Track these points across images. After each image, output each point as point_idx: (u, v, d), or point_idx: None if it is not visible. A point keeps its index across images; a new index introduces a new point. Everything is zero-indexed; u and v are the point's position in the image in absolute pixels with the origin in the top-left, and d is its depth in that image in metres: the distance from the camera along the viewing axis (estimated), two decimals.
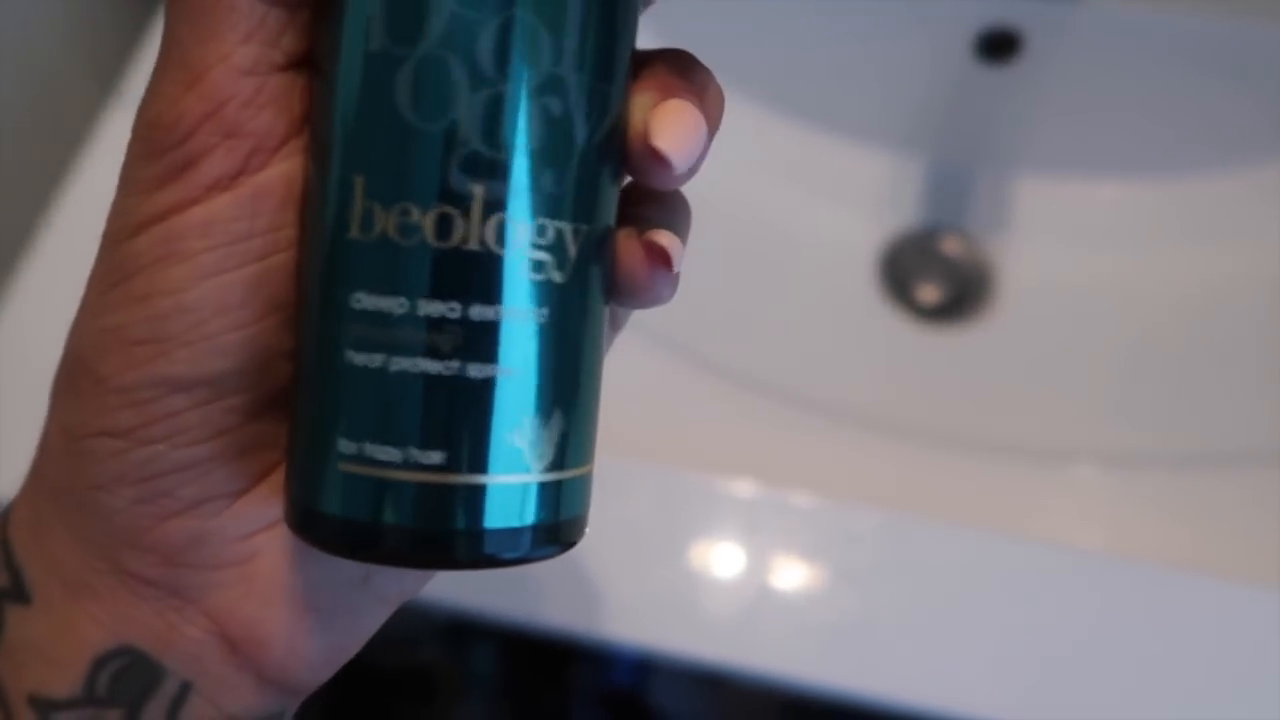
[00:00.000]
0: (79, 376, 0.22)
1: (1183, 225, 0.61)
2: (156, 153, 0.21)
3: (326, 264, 0.21)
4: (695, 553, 0.46)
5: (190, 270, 0.21)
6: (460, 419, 0.20)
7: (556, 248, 0.21)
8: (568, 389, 0.21)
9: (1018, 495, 0.52)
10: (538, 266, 0.20)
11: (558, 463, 0.21)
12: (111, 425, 0.21)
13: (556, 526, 0.21)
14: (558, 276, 0.21)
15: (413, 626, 0.57)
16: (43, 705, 0.23)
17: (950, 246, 0.63)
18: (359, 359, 0.20)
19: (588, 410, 0.22)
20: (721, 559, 0.46)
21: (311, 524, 0.21)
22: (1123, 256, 0.61)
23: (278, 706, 0.24)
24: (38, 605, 0.23)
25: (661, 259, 0.22)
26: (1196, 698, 0.43)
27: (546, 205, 0.20)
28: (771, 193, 0.63)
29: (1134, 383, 0.58)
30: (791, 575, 0.46)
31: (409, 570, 0.24)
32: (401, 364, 0.20)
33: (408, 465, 0.20)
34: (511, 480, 0.20)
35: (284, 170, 0.21)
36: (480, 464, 0.20)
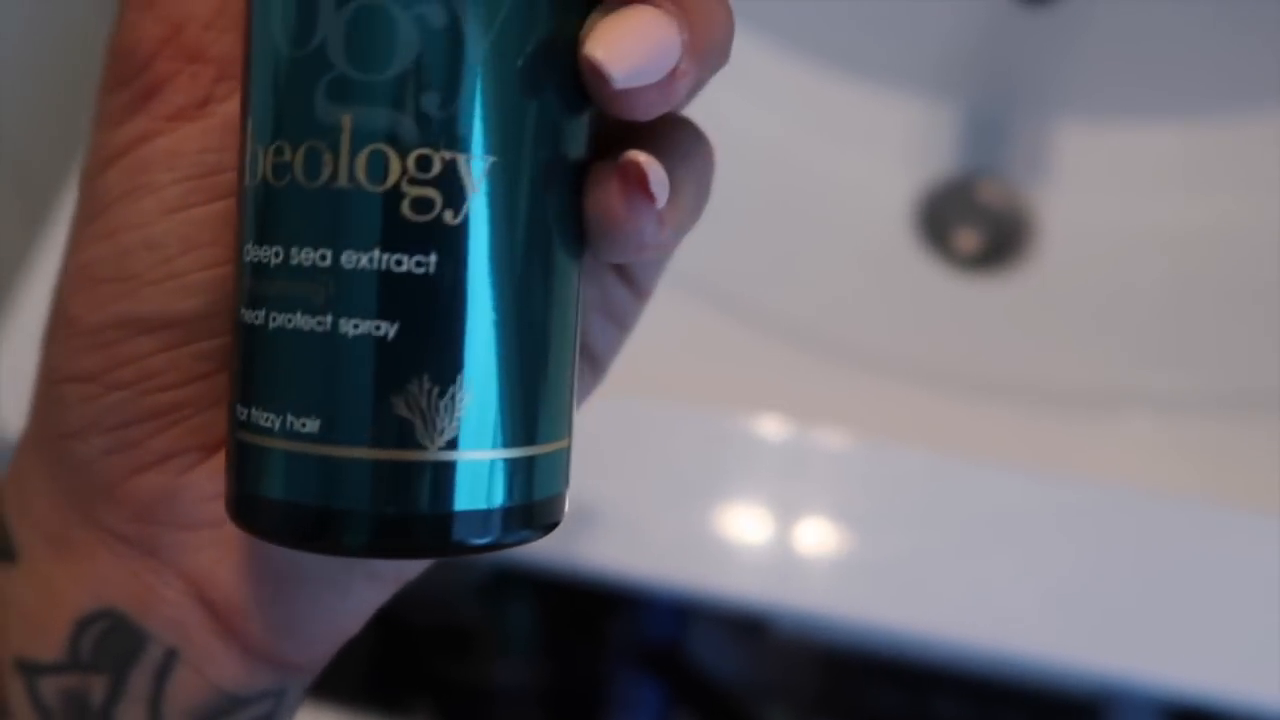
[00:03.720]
0: (55, 319, 0.21)
1: (1227, 169, 0.59)
2: (121, 82, 0.20)
3: (238, 216, 0.19)
4: (733, 495, 0.45)
5: (157, 203, 0.20)
6: (335, 381, 0.18)
7: (446, 183, 0.18)
8: (474, 353, 0.18)
9: (1060, 441, 0.52)
10: (422, 205, 0.18)
11: (470, 440, 0.18)
12: (80, 369, 0.20)
13: (474, 515, 0.18)
14: (449, 217, 0.18)
15: (449, 585, 0.59)
16: (29, 669, 0.22)
17: (989, 193, 0.61)
18: (246, 316, 0.19)
19: (522, 379, 0.19)
20: (760, 501, 0.45)
21: (226, 500, 0.20)
22: (1165, 202, 0.59)
23: (275, 683, 0.23)
24: (22, 564, 0.22)
25: (637, 181, 0.19)
26: (1248, 633, 0.42)
27: (429, 133, 0.17)
28: (807, 139, 0.61)
29: (1176, 328, 0.56)
30: (832, 516, 0.45)
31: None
32: (278, 320, 0.18)
33: (285, 433, 0.18)
34: (397, 456, 0.18)
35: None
36: (358, 434, 0.18)
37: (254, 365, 0.19)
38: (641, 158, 0.19)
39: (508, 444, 0.19)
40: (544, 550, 0.45)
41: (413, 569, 0.23)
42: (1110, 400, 0.53)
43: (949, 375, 0.53)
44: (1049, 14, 0.59)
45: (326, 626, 0.22)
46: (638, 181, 0.19)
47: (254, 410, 0.18)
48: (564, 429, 0.20)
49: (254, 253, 0.18)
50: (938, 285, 0.60)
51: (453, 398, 0.18)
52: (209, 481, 0.21)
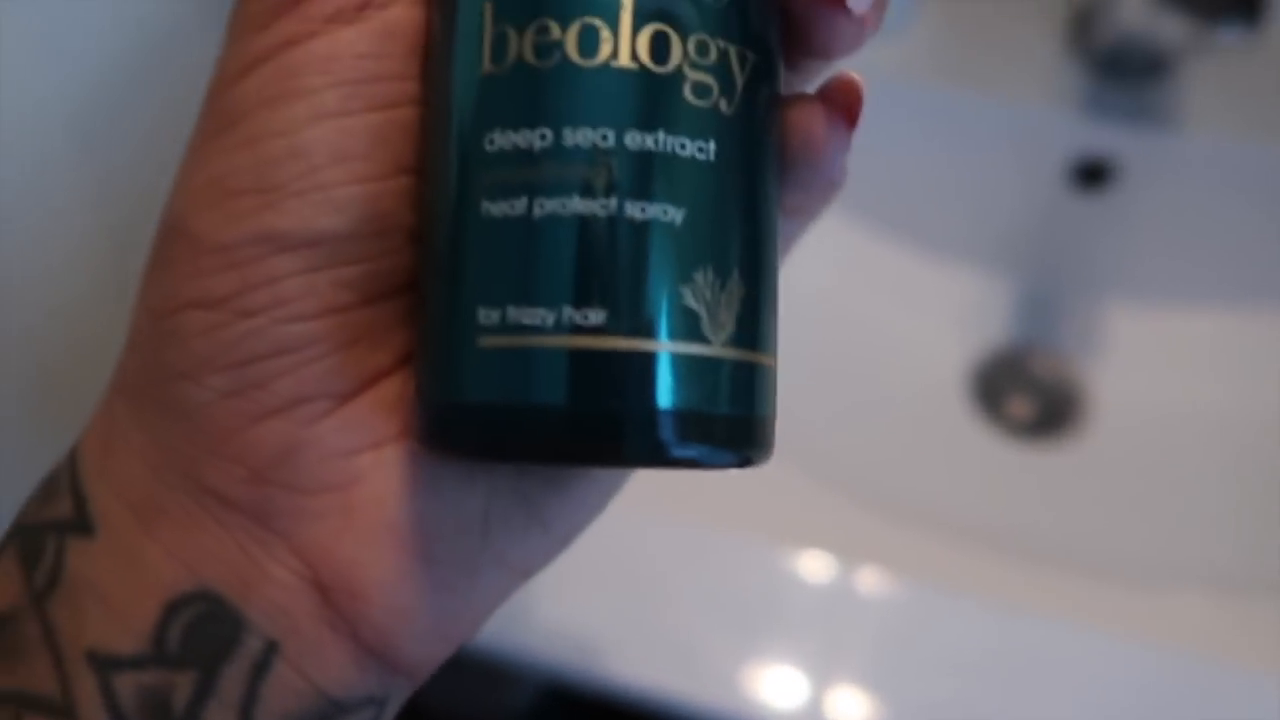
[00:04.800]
0: (172, 243, 0.19)
1: (1275, 355, 0.60)
2: None
3: (456, 111, 0.18)
4: (776, 629, 0.45)
5: (307, 108, 0.18)
6: (623, 269, 0.17)
7: (721, 72, 0.17)
8: (747, 248, 0.18)
9: (1104, 608, 0.52)
10: (701, 91, 0.17)
11: (741, 339, 0.17)
12: (204, 293, 0.18)
13: (744, 421, 0.18)
14: (725, 106, 0.17)
15: (492, 708, 0.59)
16: (103, 663, 0.19)
17: (1041, 365, 0.63)
18: (497, 208, 0.17)
19: (769, 287, 0.18)
20: (802, 637, 0.45)
21: (447, 422, 0.18)
22: (1213, 384, 0.60)
23: (380, 688, 0.20)
24: (102, 537, 0.19)
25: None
26: None
27: (706, 19, 0.17)
28: (872, 302, 0.63)
29: (1223, 507, 0.57)
30: (873, 660, 0.45)
31: (532, 528, 0.20)
32: (548, 206, 0.17)
33: (561, 328, 0.16)
34: (687, 350, 0.17)
35: (413, 13, 0.18)
36: (649, 326, 0.17)
37: (508, 261, 0.17)
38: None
39: (762, 349, 0.18)
40: (581, 668, 0.45)
41: (541, 557, 0.21)
42: (1155, 572, 0.54)
43: (995, 536, 0.54)
44: (1103, 199, 0.62)
45: (448, 619, 0.20)
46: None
47: (512, 309, 0.17)
48: (776, 341, 0.19)
49: (505, 138, 0.17)
50: (988, 450, 0.61)
51: (731, 292, 0.17)
52: (338, 435, 0.19)
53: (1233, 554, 0.55)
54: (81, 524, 0.20)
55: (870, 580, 0.48)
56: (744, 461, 0.18)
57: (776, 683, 0.45)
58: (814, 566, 0.48)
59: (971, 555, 0.53)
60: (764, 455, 0.18)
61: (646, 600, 0.46)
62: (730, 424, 0.17)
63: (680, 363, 0.17)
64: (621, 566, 0.46)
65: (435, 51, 0.18)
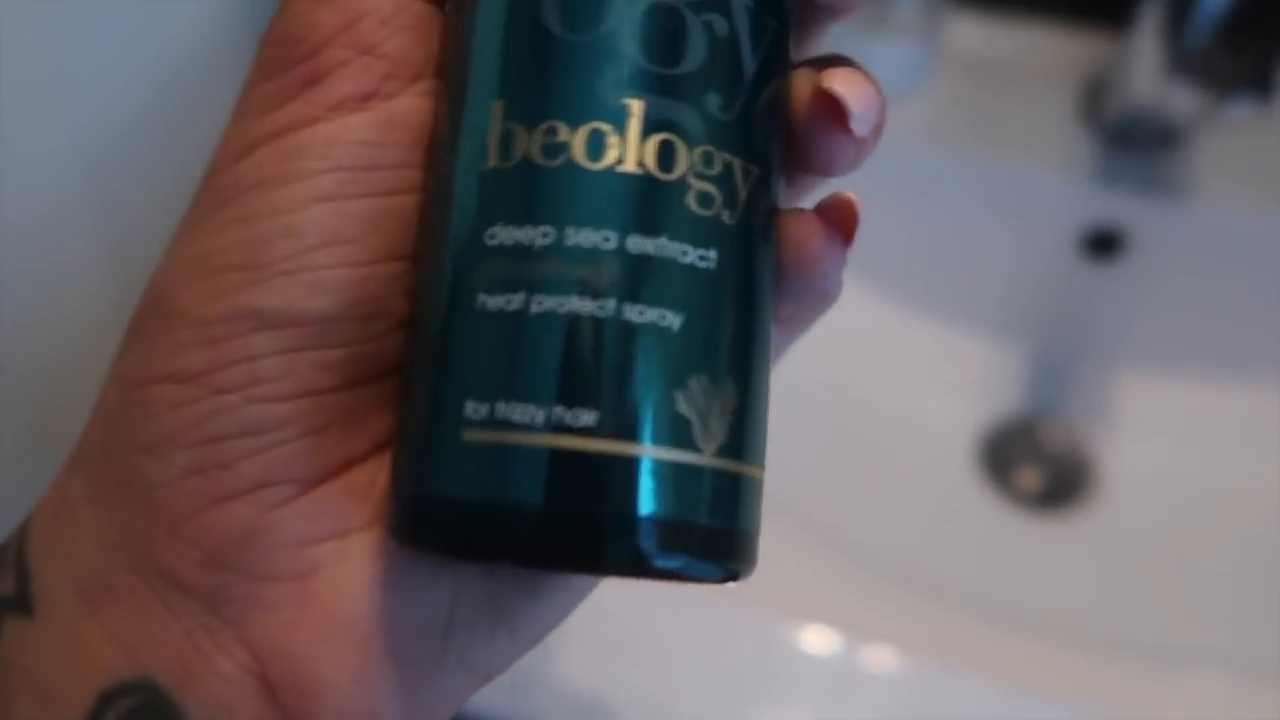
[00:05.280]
0: (151, 315, 0.19)
1: None
2: (281, 68, 0.18)
3: (458, 203, 0.18)
4: (776, 703, 0.45)
5: (303, 190, 0.18)
6: (616, 371, 0.16)
7: (725, 183, 0.18)
8: (742, 357, 0.18)
9: (1110, 686, 0.51)
10: (704, 200, 0.17)
11: (731, 449, 0.17)
12: (179, 367, 0.18)
13: (729, 534, 0.17)
14: (726, 217, 0.17)
15: None
16: None
17: (1051, 435, 0.62)
18: (493, 302, 0.17)
19: (761, 398, 0.18)
20: (802, 712, 0.45)
21: (422, 515, 0.17)
22: (1227, 460, 0.60)
23: None
24: (42, 618, 0.19)
25: (833, 110, 0.18)
26: None
27: (713, 132, 0.18)
28: (876, 371, 0.63)
29: (1234, 586, 0.56)
30: None
31: (498, 631, 0.19)
32: (545, 303, 0.16)
33: (549, 426, 0.16)
34: (676, 457, 0.16)
35: (419, 105, 0.19)
36: (638, 430, 0.16)
37: (501, 356, 0.17)
38: (840, 82, 0.19)
39: (750, 460, 0.18)
40: None
41: (505, 659, 0.20)
42: (1165, 652, 0.53)
43: (1001, 608, 0.53)
44: (1113, 269, 0.62)
45: None
46: (833, 110, 0.18)
47: (501, 405, 0.16)
48: (764, 453, 0.19)
49: (506, 233, 0.17)
50: (996, 520, 0.61)
51: (725, 401, 0.17)
52: (301, 522, 0.18)
53: (1245, 635, 0.54)
54: (21, 603, 0.19)
55: (873, 655, 0.47)
56: (728, 576, 0.18)
57: None
58: (815, 639, 0.47)
59: (976, 628, 0.52)
60: (747, 570, 0.18)
61: (643, 671, 0.45)
62: (714, 536, 0.17)
63: (667, 470, 0.16)
64: (619, 635, 0.45)
65: (440, 143, 0.18)
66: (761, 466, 0.18)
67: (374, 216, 0.18)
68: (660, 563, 0.17)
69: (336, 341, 0.18)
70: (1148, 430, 0.62)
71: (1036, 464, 0.63)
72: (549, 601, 0.20)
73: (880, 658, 0.47)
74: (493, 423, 0.16)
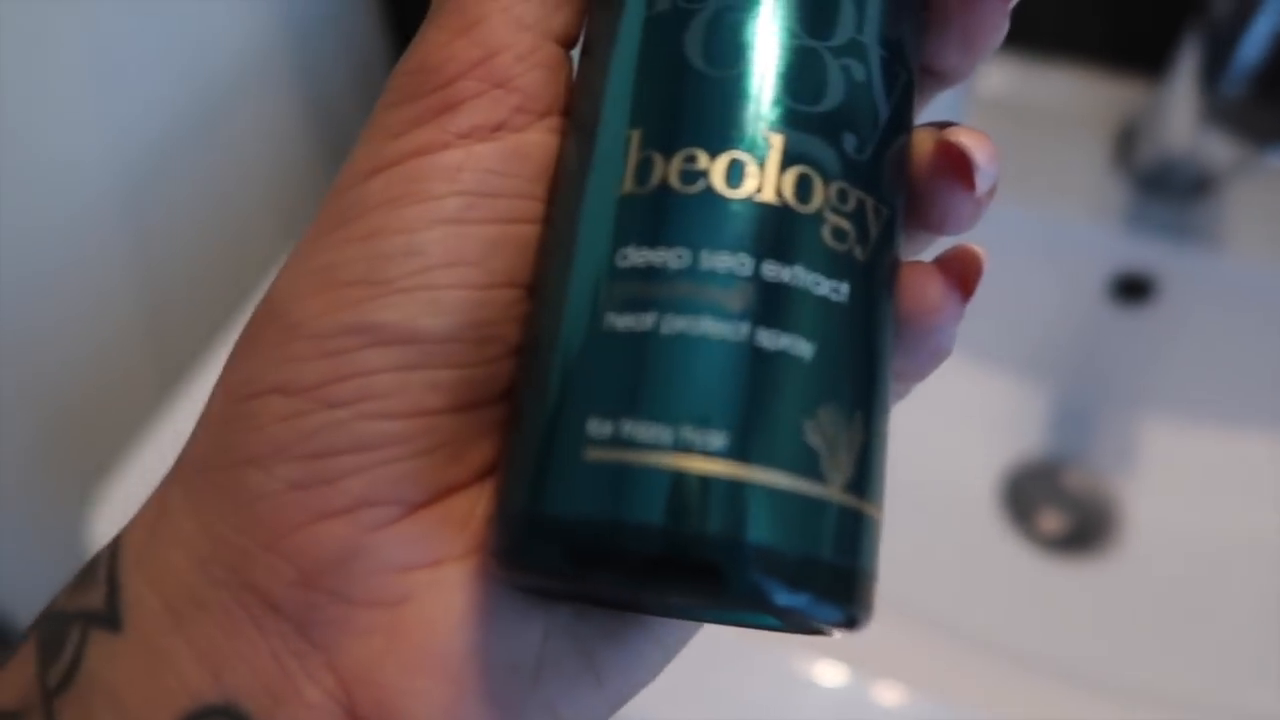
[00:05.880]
0: (264, 327, 0.18)
1: None
2: (414, 96, 0.19)
3: (589, 227, 0.18)
4: None
5: (428, 211, 0.18)
6: (748, 395, 0.16)
7: (858, 219, 0.18)
8: (867, 392, 0.17)
9: None
10: (839, 235, 0.17)
11: (857, 485, 0.17)
12: (291, 378, 0.18)
13: (852, 574, 0.17)
14: (859, 253, 0.18)
15: None
16: None
17: (1074, 479, 0.62)
18: (623, 321, 0.17)
19: (883, 437, 0.18)
20: None
21: (531, 534, 0.17)
22: (1253, 511, 0.59)
23: None
24: (128, 633, 0.18)
25: (959, 162, 0.19)
26: None
27: (849, 170, 0.18)
28: (900, 412, 0.65)
29: (1260, 641, 0.55)
30: None
31: (584, 678, 0.19)
32: (678, 324, 0.16)
33: (676, 447, 0.16)
34: (803, 488, 0.16)
35: (545, 140, 0.19)
36: (766, 456, 0.16)
37: (633, 372, 0.16)
38: (965, 138, 0.19)
39: (872, 499, 0.17)
40: None
41: (588, 717, 0.19)
42: (1180, 703, 0.52)
43: (1018, 651, 0.53)
44: (1142, 315, 0.62)
45: None
46: (958, 164, 0.19)
47: (627, 423, 0.16)
48: (883, 494, 0.18)
49: (640, 255, 0.17)
50: (1017, 563, 0.60)
51: (853, 436, 0.17)
52: (399, 547, 0.18)
53: (1269, 690, 0.53)
54: (110, 617, 0.19)
55: (887, 694, 0.47)
56: (847, 620, 0.17)
57: None
58: (831, 678, 0.47)
59: (994, 671, 0.51)
60: (866, 616, 0.17)
61: (657, 706, 0.45)
62: (837, 574, 0.16)
63: (793, 500, 0.16)
64: None
65: (569, 172, 0.19)
66: (881, 508, 0.18)
67: (495, 241, 0.18)
68: (780, 599, 0.16)
69: (450, 363, 0.18)
70: (1172, 477, 0.62)
71: (1059, 508, 0.62)
72: (637, 652, 0.20)
73: (895, 697, 0.46)
74: (616, 441, 0.16)
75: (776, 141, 0.17)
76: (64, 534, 0.52)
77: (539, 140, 0.19)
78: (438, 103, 0.18)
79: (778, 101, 0.18)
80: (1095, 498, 0.62)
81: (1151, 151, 0.60)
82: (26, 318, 0.52)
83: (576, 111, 0.19)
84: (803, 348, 0.17)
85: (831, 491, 0.16)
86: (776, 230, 0.17)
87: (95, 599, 0.19)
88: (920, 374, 0.20)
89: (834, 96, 0.18)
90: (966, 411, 0.64)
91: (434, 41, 0.19)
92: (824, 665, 0.46)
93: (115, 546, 0.19)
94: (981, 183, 0.19)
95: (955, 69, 0.20)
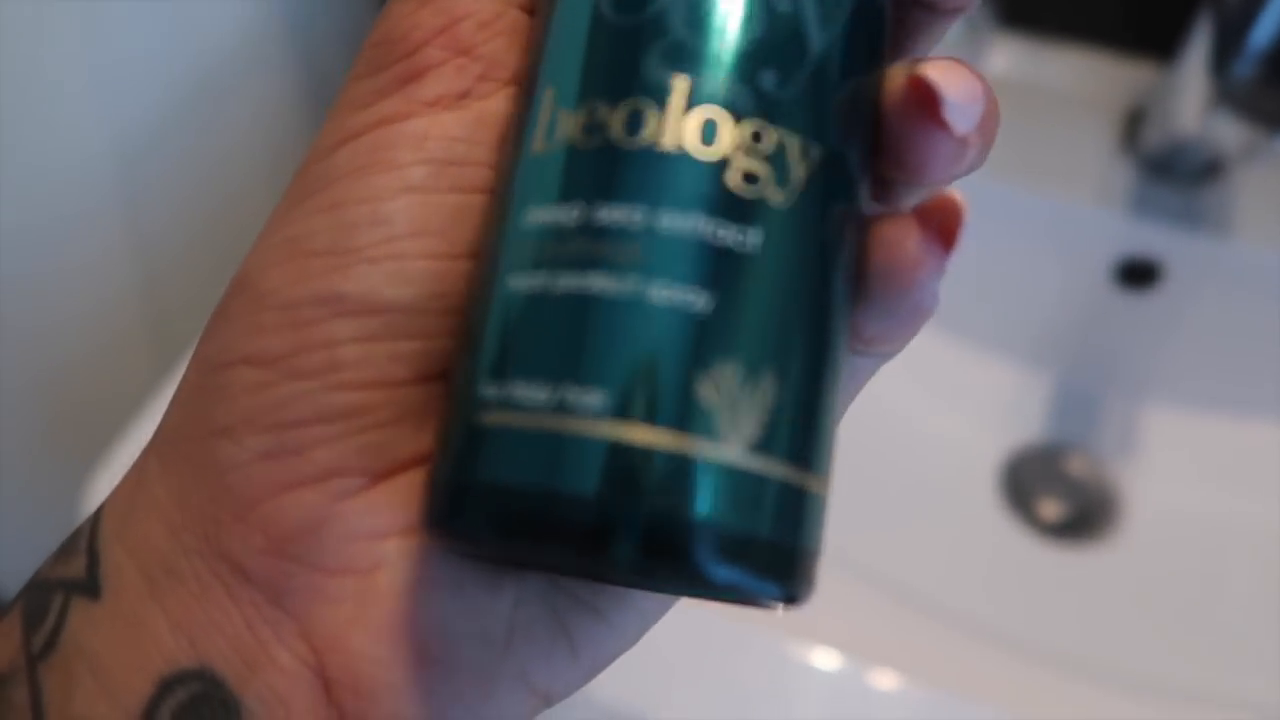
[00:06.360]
0: (236, 297, 0.19)
1: None
2: (380, 66, 0.19)
3: (504, 190, 0.17)
4: None
5: (395, 179, 0.18)
6: (632, 350, 0.15)
7: (775, 160, 0.16)
8: (782, 347, 0.16)
9: None
10: (749, 178, 0.16)
11: (764, 444, 0.16)
12: (259, 349, 0.18)
13: (750, 541, 0.15)
14: (775, 197, 0.16)
15: None
16: None
17: (1075, 465, 0.61)
18: (519, 282, 0.16)
19: (815, 401, 0.16)
20: None
21: (441, 500, 0.16)
22: (1255, 498, 0.59)
23: None
24: (107, 601, 0.19)
25: (925, 97, 0.17)
26: None
27: (764, 106, 0.16)
28: (901, 397, 0.62)
29: (1262, 628, 0.55)
30: None
31: (559, 646, 0.19)
32: (568, 282, 0.16)
33: (558, 409, 0.15)
34: (692, 446, 0.15)
35: (508, 108, 0.19)
36: (653, 411, 0.15)
37: (522, 333, 0.16)
38: (935, 72, 0.17)
39: (795, 462, 0.16)
40: None
41: (567, 684, 0.19)
42: (1181, 691, 0.52)
43: (1017, 638, 0.53)
44: (1148, 301, 0.61)
45: None
46: (928, 99, 0.17)
47: (514, 384, 0.16)
48: (830, 469, 0.17)
49: (541, 214, 0.16)
50: (1017, 549, 0.60)
51: (759, 394, 0.16)
52: (366, 516, 0.18)
53: (1269, 677, 0.53)
54: (89, 585, 0.19)
55: (884, 680, 0.46)
56: (732, 585, 0.16)
57: None
58: (828, 666, 0.46)
59: (992, 657, 0.51)
60: (790, 586, 0.16)
61: (652, 693, 0.45)
62: (737, 541, 0.15)
63: (681, 461, 0.15)
64: (627, 654, 0.45)
65: (508, 136, 0.18)
66: (818, 476, 0.17)
67: (459, 210, 0.18)
68: (678, 568, 0.15)
69: (414, 334, 0.18)
70: (1175, 465, 0.61)
71: (1060, 494, 0.62)
72: (612, 622, 0.19)
73: (891, 684, 0.46)
74: (505, 403, 0.16)
75: (679, 85, 0.16)
76: (61, 516, 0.52)
77: (503, 108, 0.19)
78: (403, 72, 0.18)
79: (683, 43, 0.17)
80: (1097, 484, 0.62)
81: (1160, 135, 0.59)
82: (23, 303, 0.52)
83: (520, 75, 0.19)
84: (699, 299, 0.16)
85: (729, 450, 0.15)
86: (675, 177, 0.16)
87: (77, 568, 0.19)
88: (902, 334, 0.19)
89: (750, 31, 0.17)
90: (968, 396, 0.63)
91: (399, 11, 0.19)
92: (820, 651, 0.46)
93: (97, 517, 0.20)
94: (956, 120, 0.17)
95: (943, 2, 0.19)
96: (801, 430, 0.16)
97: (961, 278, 0.62)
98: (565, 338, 0.16)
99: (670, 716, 0.44)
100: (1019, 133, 0.62)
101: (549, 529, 0.15)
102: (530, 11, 0.19)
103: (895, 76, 0.18)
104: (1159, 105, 0.59)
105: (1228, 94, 0.53)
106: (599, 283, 0.16)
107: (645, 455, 0.15)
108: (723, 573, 0.15)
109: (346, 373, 0.18)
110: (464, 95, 0.18)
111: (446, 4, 0.19)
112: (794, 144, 0.17)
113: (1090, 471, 0.62)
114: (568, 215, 0.16)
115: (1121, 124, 0.62)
